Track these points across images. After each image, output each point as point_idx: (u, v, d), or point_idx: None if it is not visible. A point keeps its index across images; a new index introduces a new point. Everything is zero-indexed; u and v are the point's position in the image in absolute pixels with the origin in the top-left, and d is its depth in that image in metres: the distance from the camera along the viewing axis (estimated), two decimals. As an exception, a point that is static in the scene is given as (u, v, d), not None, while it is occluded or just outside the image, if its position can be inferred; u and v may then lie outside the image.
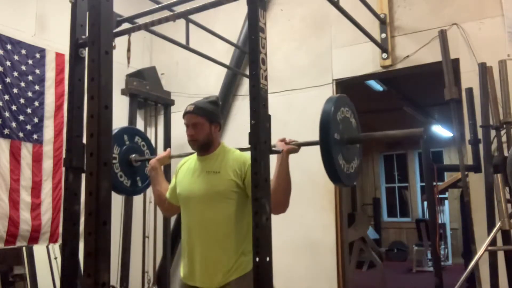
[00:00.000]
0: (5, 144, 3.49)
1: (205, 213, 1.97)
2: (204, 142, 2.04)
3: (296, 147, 1.90)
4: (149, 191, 4.09)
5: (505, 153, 2.73)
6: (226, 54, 4.23)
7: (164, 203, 2.29)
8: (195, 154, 2.14)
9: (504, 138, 2.83)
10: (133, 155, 2.56)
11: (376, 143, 9.96)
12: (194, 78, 4.67)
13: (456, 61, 3.22)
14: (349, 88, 3.94)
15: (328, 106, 1.74)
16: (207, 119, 2.04)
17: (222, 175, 1.97)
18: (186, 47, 3.30)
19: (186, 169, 2.14)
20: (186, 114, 2.06)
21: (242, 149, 2.11)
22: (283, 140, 1.92)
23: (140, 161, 2.57)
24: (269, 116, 1.52)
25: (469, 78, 3.17)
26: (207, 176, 2.01)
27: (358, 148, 1.92)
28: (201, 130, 2.02)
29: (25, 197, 3.58)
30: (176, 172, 2.22)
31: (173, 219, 4.26)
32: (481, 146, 2.97)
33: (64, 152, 1.88)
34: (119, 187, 2.49)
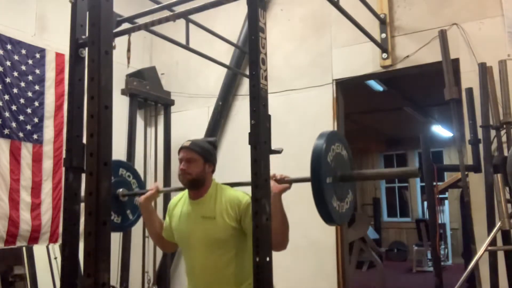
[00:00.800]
0: (5, 144, 3.49)
1: (206, 260, 1.97)
2: (196, 179, 1.99)
3: (288, 185, 1.85)
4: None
5: (505, 153, 2.73)
6: (226, 54, 4.23)
7: (161, 241, 2.25)
8: (186, 194, 2.10)
9: (504, 138, 2.83)
10: (120, 190, 2.43)
11: (376, 142, 9.96)
12: (194, 78, 4.67)
13: (456, 61, 3.22)
14: (349, 88, 3.94)
15: (319, 147, 1.64)
16: (202, 157, 2.00)
17: (218, 221, 1.94)
18: (186, 47, 3.30)
19: (179, 213, 2.10)
20: (182, 148, 2.03)
21: (233, 184, 2.09)
22: (273, 177, 1.83)
23: (128, 195, 2.46)
24: (269, 116, 1.52)
25: (469, 78, 3.17)
26: (203, 222, 1.98)
27: (352, 184, 1.86)
28: (194, 167, 1.98)
29: (25, 197, 3.57)
30: (169, 211, 2.18)
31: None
32: (481, 146, 2.97)
33: (64, 152, 1.88)
34: None
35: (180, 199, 2.15)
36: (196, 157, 2.00)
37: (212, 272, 1.97)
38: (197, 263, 2.01)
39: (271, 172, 1.62)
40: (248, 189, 1.51)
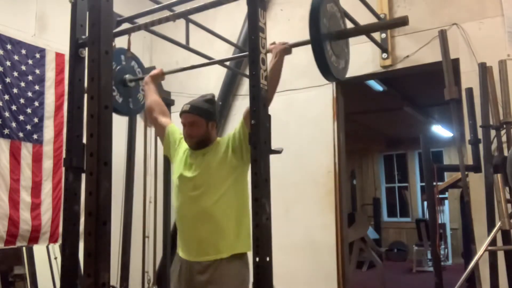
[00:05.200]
0: (5, 144, 3.49)
1: (199, 199, 1.99)
2: (201, 140, 2.08)
3: (288, 46, 1.97)
4: (149, 192, 4.09)
5: (505, 153, 2.73)
6: (226, 54, 4.23)
7: (151, 114, 2.34)
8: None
9: (504, 138, 2.83)
10: (127, 75, 2.60)
11: (376, 142, 9.95)
12: (194, 78, 4.67)
13: (456, 61, 3.21)
14: (349, 88, 3.94)
15: (315, 7, 1.78)
16: (204, 117, 2.07)
17: (217, 159, 2.02)
18: (186, 47, 3.30)
19: (182, 154, 2.17)
20: (182, 113, 2.08)
21: None
22: (273, 43, 1.98)
23: (134, 80, 2.60)
24: (269, 116, 1.52)
25: (469, 78, 3.17)
26: (203, 162, 2.05)
27: (347, 42, 2.01)
28: (198, 129, 2.06)
29: (25, 197, 3.57)
30: (178, 140, 2.24)
31: (173, 218, 4.26)
32: (481, 146, 2.97)
33: (64, 152, 1.88)
34: (117, 107, 2.55)
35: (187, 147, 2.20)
36: (198, 119, 2.06)
37: (202, 210, 1.98)
38: (188, 203, 2.03)
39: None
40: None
